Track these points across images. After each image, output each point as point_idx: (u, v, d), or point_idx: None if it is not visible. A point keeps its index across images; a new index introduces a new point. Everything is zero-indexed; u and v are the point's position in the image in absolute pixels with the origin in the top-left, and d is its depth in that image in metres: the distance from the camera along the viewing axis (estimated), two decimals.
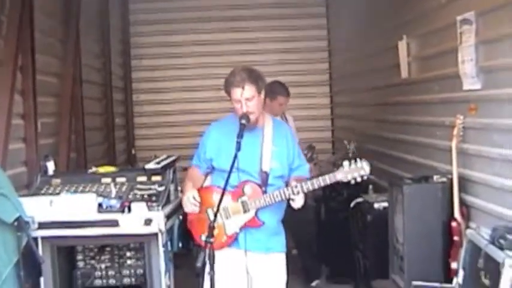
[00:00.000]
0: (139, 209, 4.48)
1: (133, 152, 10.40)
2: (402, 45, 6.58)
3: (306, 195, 4.37)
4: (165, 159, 5.19)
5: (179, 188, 5.23)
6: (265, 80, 4.45)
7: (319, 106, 11.11)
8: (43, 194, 4.87)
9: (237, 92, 4.28)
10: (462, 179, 5.04)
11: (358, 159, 4.32)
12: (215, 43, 11.02)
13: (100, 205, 4.56)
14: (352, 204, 6.84)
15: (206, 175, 4.58)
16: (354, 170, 4.27)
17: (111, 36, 9.64)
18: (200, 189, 4.44)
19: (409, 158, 6.63)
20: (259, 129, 4.49)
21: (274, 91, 6.82)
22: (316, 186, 4.33)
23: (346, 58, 9.85)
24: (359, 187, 7.10)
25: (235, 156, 4.11)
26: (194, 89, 10.91)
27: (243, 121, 4.25)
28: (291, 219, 4.86)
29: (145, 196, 4.70)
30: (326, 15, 11.09)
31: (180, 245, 7.65)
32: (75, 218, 4.49)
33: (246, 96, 4.27)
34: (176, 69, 10.99)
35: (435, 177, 5.11)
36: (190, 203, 4.30)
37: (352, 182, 4.33)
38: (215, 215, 3.97)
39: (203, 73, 10.76)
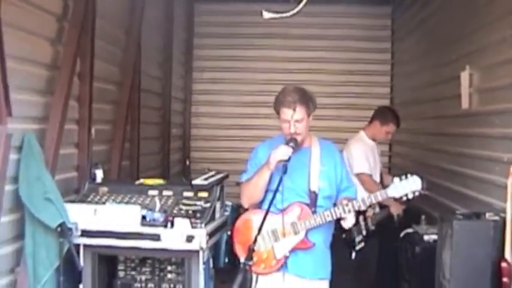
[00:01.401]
0: (182, 225, 4.45)
1: (187, 163, 10.40)
2: (464, 76, 6.41)
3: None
4: (214, 175, 5.15)
5: (227, 204, 5.17)
6: (315, 102, 4.38)
7: None
8: (89, 202, 4.88)
9: (287, 113, 4.21)
10: None
11: (409, 175, 4.22)
12: (277, 60, 11.00)
13: (144, 217, 4.54)
14: (402, 234, 6.68)
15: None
16: (406, 186, 4.19)
17: (174, 47, 9.69)
18: (249, 213, 4.39)
19: (464, 192, 6.44)
20: (307, 148, 4.42)
21: (388, 118, 6.81)
22: (367, 203, 4.29)
23: (408, 84, 9.68)
24: (411, 217, 7.07)
25: (281, 179, 4.05)
26: (252, 105, 10.87)
27: (292, 144, 4.17)
28: None
29: (190, 212, 4.66)
30: (391, 39, 10.93)
31: (226, 260, 7.66)
32: (118, 229, 4.49)
33: (296, 118, 4.21)
34: (236, 83, 11.00)
35: (487, 215, 4.92)
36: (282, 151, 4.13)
37: (404, 198, 4.25)
38: (255, 238, 3.90)
39: (263, 89, 10.67)
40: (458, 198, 6.62)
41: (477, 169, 6.09)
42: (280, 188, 4.13)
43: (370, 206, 6.47)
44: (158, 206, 4.62)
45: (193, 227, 4.46)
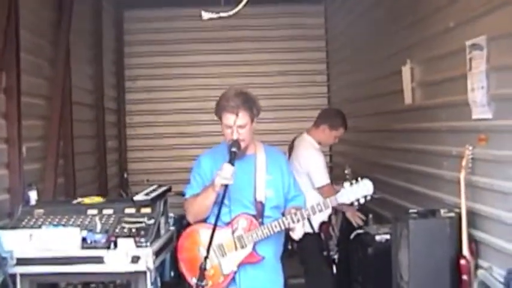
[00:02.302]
0: (126, 245, 4.16)
1: (125, 175, 10.07)
2: (406, 70, 6.30)
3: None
4: (156, 189, 4.86)
5: (171, 219, 4.91)
6: (259, 106, 4.14)
7: None
8: (24, 226, 4.54)
9: (229, 118, 3.98)
10: (471, 214, 4.73)
11: (359, 179, 4.06)
12: (212, 65, 10.79)
13: (84, 239, 4.23)
14: (352, 236, 6.52)
15: None
16: (356, 191, 4.02)
17: (104, 57, 9.35)
18: (193, 227, 4.14)
19: (413, 188, 6.32)
20: (251, 156, 4.19)
21: (338, 122, 6.39)
22: (317, 212, 4.07)
23: (346, 82, 9.58)
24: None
25: (225, 192, 3.85)
26: (189, 112, 10.62)
27: (234, 149, 3.95)
28: None
29: (133, 230, 4.36)
30: (325, 37, 10.82)
31: (172, 274, 7.36)
32: (56, 254, 4.17)
33: (239, 124, 3.98)
34: (171, 91, 10.73)
35: (442, 212, 4.80)
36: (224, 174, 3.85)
37: (356, 204, 4.08)
38: (206, 257, 3.66)
39: (199, 95, 10.44)
40: (407, 195, 6.52)
41: (425, 164, 5.97)
42: (226, 202, 3.94)
43: (331, 215, 6.37)
44: (99, 226, 4.31)
45: (138, 247, 4.17)
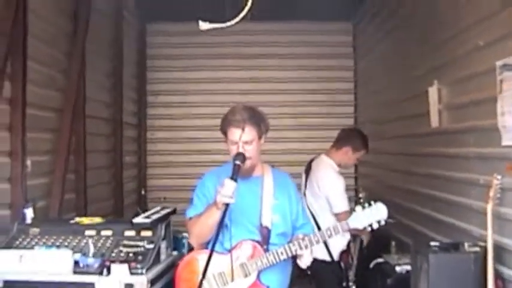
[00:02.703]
0: (120, 272, 3.85)
1: (143, 192, 9.82)
2: (433, 92, 5.95)
3: None
4: (158, 211, 4.57)
5: (184, 236, 4.59)
6: (268, 123, 3.88)
7: None
8: (17, 246, 4.27)
9: (235, 133, 3.72)
10: (498, 248, 4.35)
11: (372, 202, 3.76)
12: (234, 81, 10.54)
13: (77, 263, 3.93)
14: (371, 265, 6.17)
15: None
16: (369, 215, 3.73)
17: (125, 70, 9.12)
18: (192, 254, 3.89)
19: (437, 217, 5.95)
20: (258, 178, 3.94)
21: (361, 144, 6.07)
22: (326, 237, 3.82)
23: (373, 102, 9.24)
24: (380, 244, 6.57)
25: (224, 214, 3.56)
26: (210, 129, 10.28)
27: (237, 161, 3.65)
28: None
29: (130, 255, 4.06)
30: (353, 56, 10.49)
31: None
32: (47, 278, 3.87)
33: (245, 139, 3.72)
34: (192, 106, 10.46)
35: (466, 245, 4.43)
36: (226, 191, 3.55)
37: (369, 229, 3.77)
38: (200, 282, 3.36)
39: (220, 112, 10.08)
40: (431, 223, 6.15)
41: (450, 192, 5.61)
42: (227, 224, 3.68)
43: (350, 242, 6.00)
44: (92, 249, 4.01)
45: (132, 273, 3.86)
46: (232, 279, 3.72)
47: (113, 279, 3.84)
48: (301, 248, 3.73)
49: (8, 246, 4.26)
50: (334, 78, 10.49)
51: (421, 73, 6.42)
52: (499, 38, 4.50)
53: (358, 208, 3.78)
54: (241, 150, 3.70)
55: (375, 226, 3.79)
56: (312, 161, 6.13)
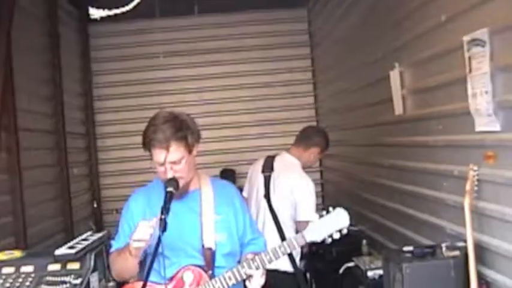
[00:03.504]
0: None
1: (95, 205, 9.17)
2: (394, 75, 5.41)
3: None
4: (87, 238, 3.96)
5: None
6: (197, 131, 3.28)
7: None
8: None
9: (159, 155, 3.13)
10: (479, 248, 3.83)
11: (331, 208, 3.19)
12: (188, 79, 9.94)
13: None
14: (341, 270, 5.63)
15: (139, 264, 3.26)
16: (329, 224, 3.15)
17: (67, 76, 8.46)
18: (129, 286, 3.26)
19: (408, 212, 5.42)
20: (195, 192, 3.37)
21: (327, 144, 5.60)
22: (280, 255, 3.22)
23: (332, 91, 8.67)
24: (351, 244, 6.04)
25: (159, 239, 2.92)
26: None
27: (170, 188, 3.08)
28: None
29: None
30: (310, 43, 9.92)
31: None
32: None
33: (172, 160, 3.15)
34: (143, 109, 9.69)
35: (444, 248, 3.87)
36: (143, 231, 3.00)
37: (329, 240, 3.20)
38: None
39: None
40: (402, 220, 5.63)
41: (421, 185, 5.08)
42: (165, 253, 3.06)
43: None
44: None
45: None
46: None
47: None
48: (251, 269, 3.16)
49: None
50: (292, 68, 9.91)
51: (381, 56, 5.88)
52: (463, 10, 3.96)
53: (314, 217, 3.22)
54: (169, 172, 3.15)
55: (336, 236, 3.23)
56: (271, 159, 5.48)
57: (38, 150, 7.28)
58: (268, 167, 5.41)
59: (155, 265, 3.04)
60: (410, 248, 4.00)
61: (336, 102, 8.44)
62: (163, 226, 2.92)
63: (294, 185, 5.15)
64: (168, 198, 3.04)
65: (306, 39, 9.95)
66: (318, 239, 3.21)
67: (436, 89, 4.68)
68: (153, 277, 3.08)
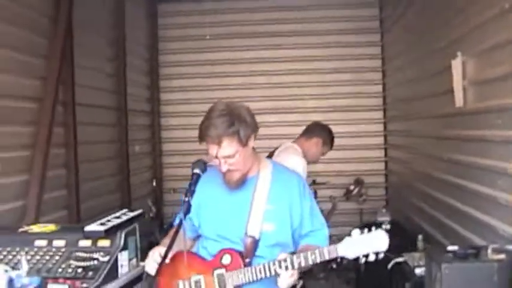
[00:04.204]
0: None
1: (153, 183, 9.19)
2: (456, 66, 5.16)
3: None
4: (121, 216, 3.91)
5: None
6: (252, 123, 3.20)
7: (370, 134, 9.67)
8: None
9: (211, 149, 3.14)
10: None
11: (373, 229, 3.00)
12: (254, 61, 9.83)
13: (12, 282, 3.29)
14: (390, 265, 5.44)
15: (194, 240, 3.49)
16: (366, 244, 2.97)
17: (134, 54, 8.53)
18: (175, 256, 3.25)
19: (462, 209, 5.19)
20: (252, 179, 3.31)
21: (330, 140, 5.56)
22: (310, 263, 3.06)
23: (400, 80, 8.40)
24: (407, 238, 5.88)
25: (181, 223, 3.03)
26: None
27: (197, 170, 3.09)
28: None
29: (79, 270, 3.42)
30: (380, 30, 9.65)
31: None
32: None
33: (224, 155, 3.13)
34: (210, 90, 9.70)
35: (490, 251, 3.64)
36: (154, 261, 3.14)
37: (363, 260, 3.01)
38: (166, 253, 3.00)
39: (240, 95, 9.32)
40: (455, 215, 5.40)
41: (475, 181, 4.85)
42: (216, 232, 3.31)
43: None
44: (25, 265, 3.36)
45: None
46: None
47: None
48: (280, 268, 3.06)
49: None
50: (361, 55, 9.66)
51: (444, 44, 5.62)
52: None
53: (355, 232, 3.01)
54: (223, 166, 3.15)
55: (371, 258, 3.01)
56: (275, 149, 5.45)
57: (97, 126, 7.32)
58: (271, 154, 5.37)
59: (208, 245, 3.31)
60: (455, 248, 3.78)
61: (403, 91, 8.18)
62: (186, 208, 2.99)
63: (285, 160, 5.00)
64: (194, 180, 3.05)
65: (376, 26, 9.69)
66: (351, 256, 3.02)
67: (497, 80, 4.44)
68: (204, 255, 3.32)
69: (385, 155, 9.63)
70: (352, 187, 8.77)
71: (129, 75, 8.28)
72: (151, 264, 3.14)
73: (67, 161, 6.35)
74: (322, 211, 3.54)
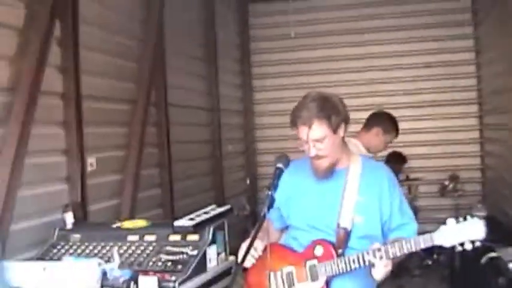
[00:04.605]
0: (149, 285, 3.33)
1: (247, 181, 9.31)
2: None
3: None
4: (209, 211, 4.02)
5: None
6: (343, 112, 3.23)
7: (465, 128, 9.49)
8: (55, 254, 3.88)
9: (302, 131, 3.19)
10: None
11: (469, 217, 2.95)
12: (346, 59, 9.83)
13: (105, 275, 3.45)
14: (483, 260, 5.34)
15: (281, 231, 3.54)
16: (461, 233, 2.92)
17: (225, 54, 8.73)
18: (265, 248, 3.29)
19: None
20: (343, 171, 3.32)
21: (391, 126, 5.28)
22: (405, 251, 3.02)
23: (494, 73, 8.20)
24: (503, 232, 5.77)
25: (264, 215, 2.98)
26: None
27: (280, 164, 3.10)
28: None
29: (169, 264, 3.54)
30: (473, 22, 9.45)
31: None
32: None
33: (314, 138, 3.16)
34: (302, 88, 9.71)
35: None
36: (251, 255, 3.20)
37: (459, 248, 2.98)
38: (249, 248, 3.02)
39: (335, 92, 9.39)
40: None
41: None
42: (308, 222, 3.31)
43: None
44: (117, 259, 3.50)
45: (162, 287, 3.33)
46: (301, 281, 3.24)
47: None
48: (375, 258, 3.05)
49: (44, 256, 3.87)
50: (453, 48, 9.48)
51: None
52: None
53: (451, 221, 2.98)
54: (312, 150, 3.19)
55: (468, 247, 2.96)
56: None
57: (190, 126, 7.51)
58: None
59: (298, 236, 3.32)
60: None
61: (498, 84, 7.98)
62: (269, 202, 2.98)
63: None
64: (277, 174, 3.07)
65: (469, 18, 9.48)
66: (447, 244, 2.99)
67: None
68: (294, 246, 3.33)
69: (481, 149, 9.42)
70: (447, 182, 8.68)
71: (220, 75, 8.43)
72: (247, 258, 3.15)
73: (160, 161, 6.55)
74: (413, 208, 3.52)
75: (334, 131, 3.17)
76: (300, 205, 3.34)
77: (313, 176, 3.29)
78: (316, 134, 3.14)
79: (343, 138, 3.30)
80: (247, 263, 3.21)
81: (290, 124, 3.27)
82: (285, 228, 3.50)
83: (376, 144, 5.16)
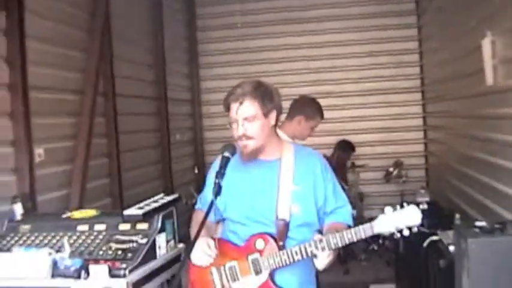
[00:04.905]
0: (99, 273, 3.37)
1: (195, 170, 9.35)
2: (486, 45, 5.19)
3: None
4: (158, 200, 4.07)
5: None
6: (277, 100, 3.23)
7: (409, 116, 9.70)
8: (3, 246, 3.87)
9: (233, 109, 3.18)
10: None
11: (405, 204, 3.07)
12: (292, 47, 9.94)
13: (56, 264, 3.47)
14: (425, 243, 5.50)
15: (217, 223, 3.49)
16: (399, 220, 3.02)
17: (173, 44, 8.76)
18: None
19: (498, 187, 5.23)
20: (275, 162, 3.30)
21: (314, 111, 5.13)
22: (346, 242, 3.08)
23: (436, 61, 8.41)
24: (444, 217, 5.92)
25: (212, 203, 2.98)
26: None
27: (226, 153, 3.11)
28: None
29: (119, 252, 3.58)
30: (416, 12, 9.65)
31: None
32: (21, 283, 3.44)
33: (244, 115, 3.15)
34: (250, 76, 9.81)
35: None
36: (205, 253, 3.21)
37: (397, 235, 3.09)
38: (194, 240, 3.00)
39: (280, 81, 9.35)
40: (491, 194, 5.44)
41: (510, 159, 4.87)
42: (248, 214, 3.28)
43: None
44: (68, 248, 3.54)
45: (112, 276, 3.38)
46: (244, 275, 3.25)
47: (91, 282, 3.36)
48: (317, 249, 3.11)
49: None
50: (397, 37, 9.68)
51: (473, 24, 5.65)
52: None
53: (388, 209, 3.09)
54: (239, 128, 3.17)
55: (406, 233, 3.08)
56: None
57: (137, 116, 7.51)
58: None
59: (237, 229, 3.30)
60: (483, 223, 3.85)
61: (440, 72, 8.19)
62: (216, 190, 2.98)
63: None
64: (224, 163, 3.08)
65: (412, 8, 9.69)
66: (386, 232, 3.10)
67: None
68: (233, 240, 3.30)
69: (425, 136, 9.64)
70: (391, 169, 8.87)
71: (168, 65, 8.45)
72: (202, 258, 3.21)
73: (109, 150, 6.56)
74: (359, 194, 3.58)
75: (265, 115, 3.17)
76: (236, 198, 3.29)
77: (248, 170, 3.26)
78: (246, 111, 3.14)
79: (274, 127, 3.28)
80: (206, 262, 3.22)
81: (223, 107, 3.26)
82: (222, 221, 3.46)
83: (300, 132, 5.03)
